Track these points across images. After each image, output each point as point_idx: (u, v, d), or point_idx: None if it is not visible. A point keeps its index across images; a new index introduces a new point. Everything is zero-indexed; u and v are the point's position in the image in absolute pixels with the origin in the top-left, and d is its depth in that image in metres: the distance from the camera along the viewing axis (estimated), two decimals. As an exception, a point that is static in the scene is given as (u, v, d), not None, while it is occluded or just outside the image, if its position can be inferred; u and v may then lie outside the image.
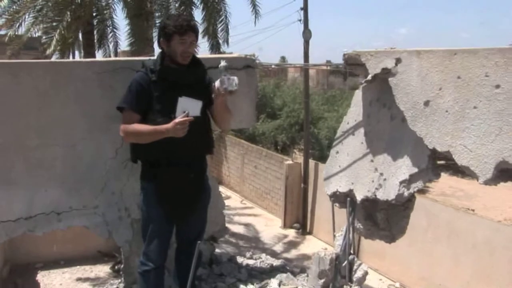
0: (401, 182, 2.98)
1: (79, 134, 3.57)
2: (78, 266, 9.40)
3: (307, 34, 17.16)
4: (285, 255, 14.76)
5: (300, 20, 17.57)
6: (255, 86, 4.03)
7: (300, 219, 17.15)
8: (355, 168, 3.43)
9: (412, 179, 2.93)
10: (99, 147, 3.62)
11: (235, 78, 3.23)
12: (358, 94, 3.46)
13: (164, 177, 3.30)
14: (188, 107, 3.13)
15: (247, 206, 19.23)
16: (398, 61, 2.88)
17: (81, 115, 3.55)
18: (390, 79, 2.92)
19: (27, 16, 13.15)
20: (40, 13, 13.23)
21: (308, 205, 16.84)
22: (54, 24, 12.79)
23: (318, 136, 21.34)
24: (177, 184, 3.32)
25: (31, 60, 3.47)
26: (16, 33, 13.34)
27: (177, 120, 3.08)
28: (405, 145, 2.98)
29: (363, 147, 3.37)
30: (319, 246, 15.42)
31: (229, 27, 14.56)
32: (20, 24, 13.17)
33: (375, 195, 3.21)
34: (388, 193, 3.09)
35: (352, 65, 3.29)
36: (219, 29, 14.49)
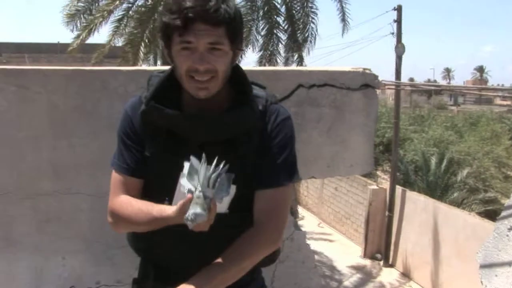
0: None
1: (113, 178, 2.39)
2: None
3: (400, 49, 15.63)
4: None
5: (392, 33, 16.07)
6: (375, 115, 2.72)
7: (382, 249, 15.59)
8: (553, 265, 2.05)
9: None
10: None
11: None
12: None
13: None
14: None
15: (325, 230, 17.95)
16: None
17: (117, 150, 2.37)
18: None
19: (104, 25, 12.82)
20: (122, 22, 12.86)
21: (392, 235, 15.26)
22: (138, 35, 12.29)
23: (404, 159, 19.68)
24: None
25: (46, 67, 2.29)
26: (85, 41, 12.99)
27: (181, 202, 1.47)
28: None
29: None
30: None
31: (313, 36, 13.24)
32: (92, 32, 12.74)
33: None
34: None
35: None
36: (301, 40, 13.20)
